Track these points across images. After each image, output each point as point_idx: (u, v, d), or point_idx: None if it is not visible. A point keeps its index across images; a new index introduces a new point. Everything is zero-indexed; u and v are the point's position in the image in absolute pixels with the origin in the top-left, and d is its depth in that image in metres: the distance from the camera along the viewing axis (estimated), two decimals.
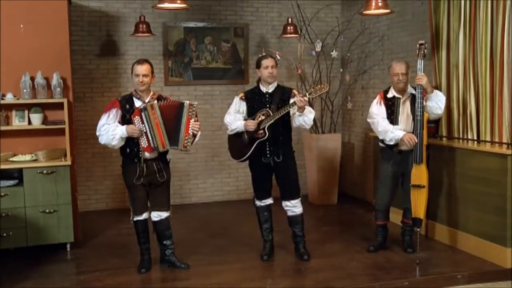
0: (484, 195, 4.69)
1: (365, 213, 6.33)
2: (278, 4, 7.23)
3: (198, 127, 4.42)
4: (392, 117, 4.72)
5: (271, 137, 4.58)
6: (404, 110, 4.72)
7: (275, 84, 4.70)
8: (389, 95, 4.78)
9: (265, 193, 4.80)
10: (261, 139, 4.58)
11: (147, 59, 4.50)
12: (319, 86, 4.51)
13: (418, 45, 4.67)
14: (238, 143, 4.74)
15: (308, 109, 4.54)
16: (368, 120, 4.89)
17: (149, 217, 4.55)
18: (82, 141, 6.57)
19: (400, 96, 4.73)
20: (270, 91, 4.67)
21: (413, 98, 4.68)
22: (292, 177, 4.73)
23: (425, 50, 4.65)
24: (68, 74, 5.33)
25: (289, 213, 4.76)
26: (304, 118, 4.53)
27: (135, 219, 4.50)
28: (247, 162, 4.81)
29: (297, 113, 4.50)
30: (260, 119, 4.59)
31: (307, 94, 4.46)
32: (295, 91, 4.68)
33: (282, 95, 4.64)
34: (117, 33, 6.74)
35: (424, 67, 4.62)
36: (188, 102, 4.37)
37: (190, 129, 4.34)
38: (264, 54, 5.10)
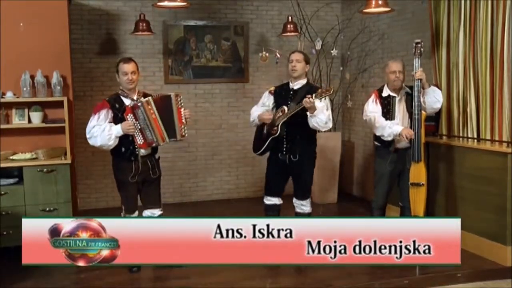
0: (484, 194, 4.69)
1: (365, 212, 6.33)
2: (278, 2, 7.22)
3: (190, 114, 4.47)
4: (388, 116, 4.69)
5: (287, 135, 4.58)
6: (401, 109, 4.71)
7: (303, 81, 4.66)
8: (384, 94, 4.76)
9: (274, 191, 4.79)
10: (273, 136, 4.58)
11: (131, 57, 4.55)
12: (325, 88, 4.54)
13: (414, 44, 4.65)
14: (258, 137, 4.80)
15: (320, 109, 4.45)
16: (364, 118, 4.87)
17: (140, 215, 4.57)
18: (82, 140, 6.50)
19: (395, 95, 4.71)
20: (296, 87, 4.65)
21: (408, 96, 4.68)
22: (306, 178, 4.74)
23: (421, 49, 4.63)
24: (68, 73, 5.33)
25: (297, 210, 4.82)
26: (316, 119, 4.44)
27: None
28: (265, 157, 4.85)
29: (308, 114, 4.47)
30: (278, 115, 4.59)
31: (313, 95, 4.41)
32: (320, 90, 4.59)
33: (307, 93, 4.54)
34: (117, 32, 6.74)
35: (420, 65, 4.60)
36: (173, 93, 4.43)
37: (183, 118, 4.40)
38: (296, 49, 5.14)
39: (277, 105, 4.71)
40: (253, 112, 4.84)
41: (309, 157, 4.73)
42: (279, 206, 4.85)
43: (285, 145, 4.63)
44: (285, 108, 4.57)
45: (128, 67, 4.35)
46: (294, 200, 4.81)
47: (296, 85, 4.65)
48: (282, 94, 4.70)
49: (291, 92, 4.65)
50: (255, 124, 4.86)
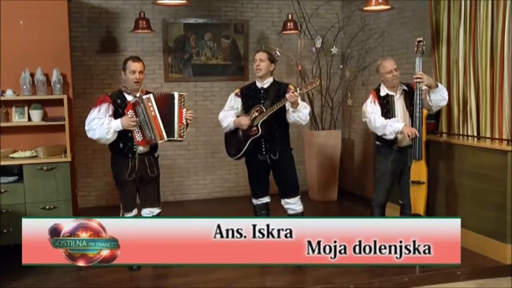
0: (484, 192, 4.69)
1: (365, 210, 6.33)
2: (278, 0, 7.21)
3: (192, 116, 4.44)
4: (388, 116, 4.66)
5: (266, 134, 4.54)
6: (400, 107, 4.70)
7: (270, 80, 4.65)
8: (382, 93, 4.72)
9: (262, 191, 4.77)
10: (255, 137, 4.55)
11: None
12: (309, 81, 4.49)
13: (416, 42, 4.64)
14: (233, 140, 4.72)
15: (302, 104, 4.47)
16: (364, 119, 4.85)
17: (139, 214, 4.58)
18: (82, 138, 6.51)
19: (394, 94, 4.70)
20: (265, 86, 4.62)
21: (406, 93, 4.67)
22: (291, 174, 4.69)
23: (423, 47, 4.62)
24: (68, 71, 5.33)
25: (290, 212, 4.72)
26: (298, 114, 4.45)
27: (125, 215, 4.51)
28: (244, 159, 4.80)
29: (291, 109, 4.46)
30: (253, 115, 4.56)
31: (297, 89, 4.42)
32: (291, 86, 4.62)
33: (278, 91, 4.57)
34: (117, 30, 6.73)
35: (422, 64, 4.59)
36: (177, 92, 4.40)
37: (183, 118, 4.36)
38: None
39: (247, 106, 4.66)
40: (224, 118, 4.74)
41: (288, 153, 4.70)
42: (269, 203, 4.85)
43: (263, 145, 4.60)
44: (262, 107, 4.54)
45: (136, 66, 4.35)
46: (285, 201, 4.71)
47: (265, 84, 4.62)
48: (251, 95, 4.65)
49: (262, 92, 4.62)
50: (229, 130, 4.77)
